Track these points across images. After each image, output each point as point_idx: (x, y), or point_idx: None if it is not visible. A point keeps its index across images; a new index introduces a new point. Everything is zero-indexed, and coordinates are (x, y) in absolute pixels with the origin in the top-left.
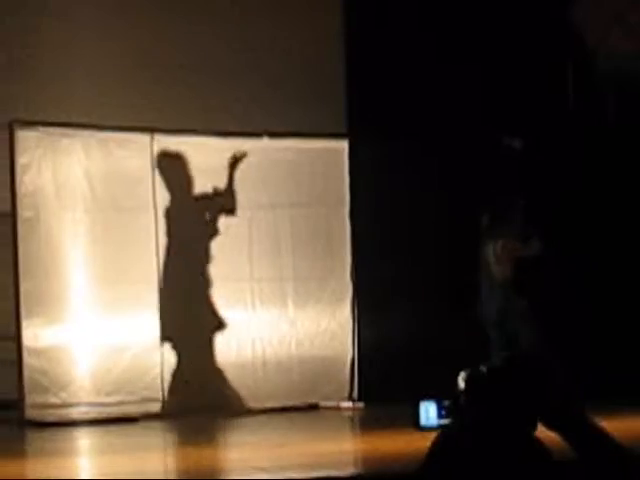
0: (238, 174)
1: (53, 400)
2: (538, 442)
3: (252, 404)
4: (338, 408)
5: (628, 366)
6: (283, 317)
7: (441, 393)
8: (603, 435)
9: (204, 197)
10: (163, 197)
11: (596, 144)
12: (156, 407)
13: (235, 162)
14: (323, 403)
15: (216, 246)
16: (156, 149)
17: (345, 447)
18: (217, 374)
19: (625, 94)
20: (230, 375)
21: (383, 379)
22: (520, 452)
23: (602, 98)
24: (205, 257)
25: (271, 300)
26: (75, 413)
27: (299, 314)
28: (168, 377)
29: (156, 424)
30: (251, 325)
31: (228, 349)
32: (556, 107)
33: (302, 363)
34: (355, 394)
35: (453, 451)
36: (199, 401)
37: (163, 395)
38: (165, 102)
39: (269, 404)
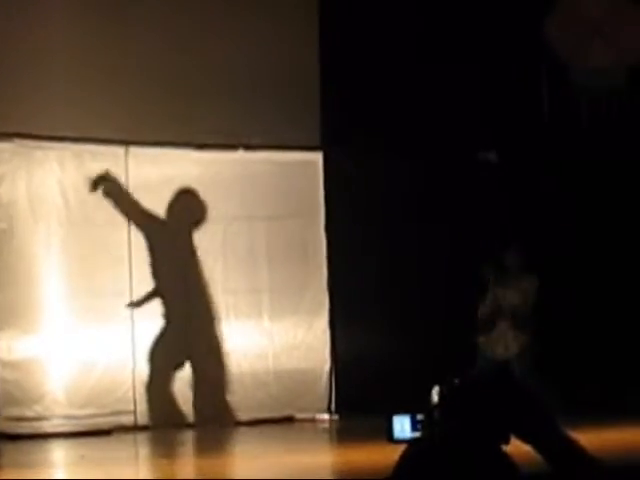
0: (213, 186)
1: (27, 413)
2: (506, 457)
3: (228, 416)
4: (313, 420)
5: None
6: (259, 329)
7: (415, 406)
8: (575, 448)
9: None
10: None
11: (571, 154)
12: (128, 420)
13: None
14: (298, 415)
15: (192, 258)
16: (130, 161)
17: (320, 459)
18: (194, 387)
19: (599, 105)
20: (206, 388)
21: (359, 391)
22: (489, 466)
23: (577, 108)
24: (182, 270)
25: (246, 312)
26: (49, 426)
27: (275, 326)
28: (142, 390)
29: (130, 437)
30: (226, 338)
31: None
32: (531, 118)
33: (278, 375)
34: (329, 406)
35: (423, 464)
36: (176, 414)
37: (135, 408)
38: (140, 114)
39: (245, 416)
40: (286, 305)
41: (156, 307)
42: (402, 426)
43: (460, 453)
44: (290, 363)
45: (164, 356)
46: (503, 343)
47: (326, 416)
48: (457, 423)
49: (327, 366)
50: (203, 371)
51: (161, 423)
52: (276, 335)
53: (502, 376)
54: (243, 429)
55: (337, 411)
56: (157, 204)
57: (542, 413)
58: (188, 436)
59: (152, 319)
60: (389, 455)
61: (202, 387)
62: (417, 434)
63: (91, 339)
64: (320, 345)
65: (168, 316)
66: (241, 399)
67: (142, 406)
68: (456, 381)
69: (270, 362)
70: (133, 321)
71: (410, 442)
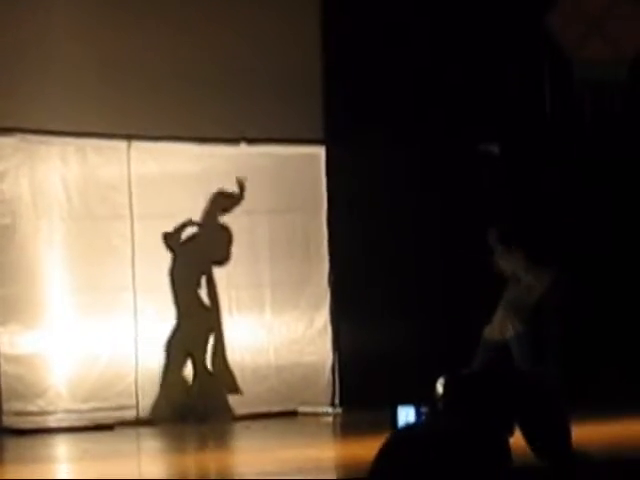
0: (215, 180)
1: (30, 407)
2: (508, 449)
3: (232, 411)
4: (317, 414)
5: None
6: (261, 323)
7: (419, 398)
8: (563, 441)
9: None
10: (141, 205)
11: (574, 148)
12: (131, 414)
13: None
14: (302, 409)
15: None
16: (133, 155)
17: (324, 453)
18: (197, 381)
19: (602, 98)
20: (209, 382)
21: (362, 385)
22: (493, 457)
23: (580, 102)
24: (186, 264)
25: (248, 306)
26: (52, 420)
27: (277, 320)
28: (145, 384)
29: (132, 431)
30: (228, 332)
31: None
32: (534, 112)
33: (280, 369)
34: (333, 400)
35: (416, 453)
36: (179, 408)
37: (138, 402)
38: (143, 109)
39: (247, 410)
40: (288, 299)
41: (158, 302)
42: (407, 416)
43: (466, 443)
44: (292, 357)
45: (170, 351)
46: (499, 328)
47: (329, 409)
48: (462, 414)
49: (329, 360)
50: (206, 367)
51: (164, 417)
52: (278, 329)
53: (505, 366)
54: (246, 423)
55: (340, 405)
56: (158, 198)
57: (545, 406)
58: (191, 431)
59: (154, 313)
60: None
61: (205, 382)
62: None
63: (93, 334)
64: (322, 339)
65: (177, 314)
66: (243, 393)
67: (144, 400)
68: (462, 372)
69: (272, 356)
70: (136, 315)
71: (392, 432)
